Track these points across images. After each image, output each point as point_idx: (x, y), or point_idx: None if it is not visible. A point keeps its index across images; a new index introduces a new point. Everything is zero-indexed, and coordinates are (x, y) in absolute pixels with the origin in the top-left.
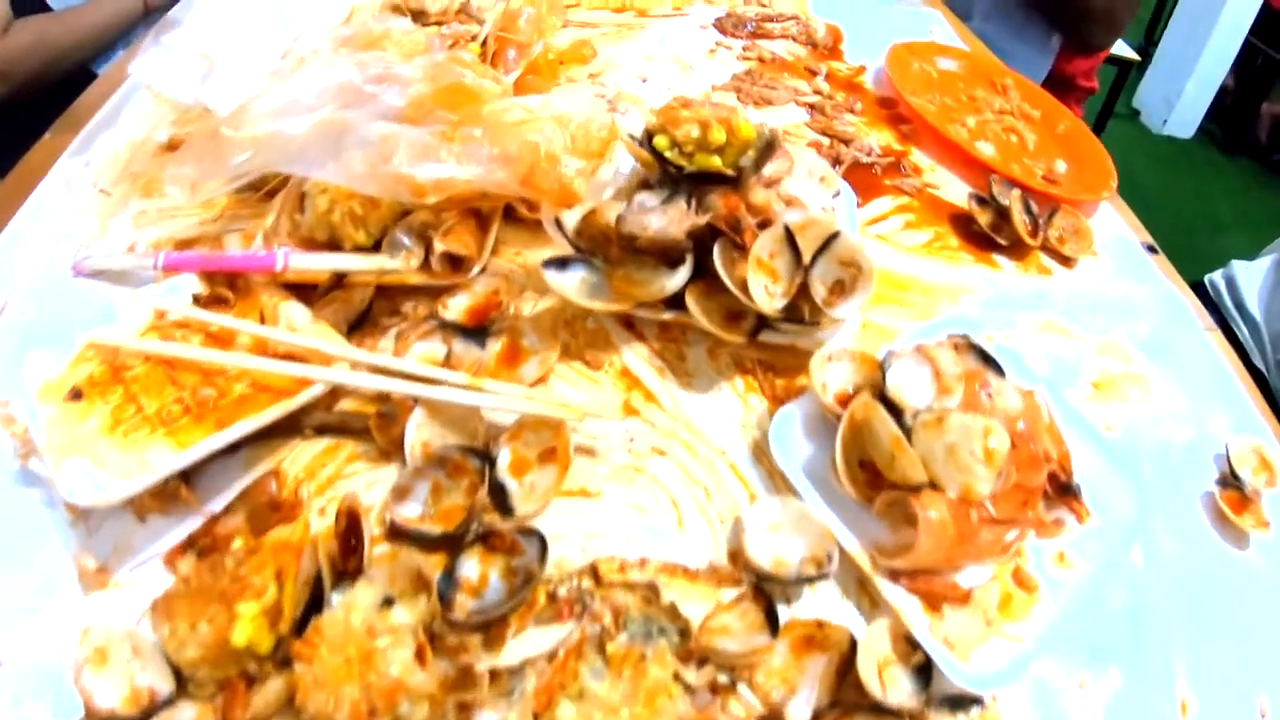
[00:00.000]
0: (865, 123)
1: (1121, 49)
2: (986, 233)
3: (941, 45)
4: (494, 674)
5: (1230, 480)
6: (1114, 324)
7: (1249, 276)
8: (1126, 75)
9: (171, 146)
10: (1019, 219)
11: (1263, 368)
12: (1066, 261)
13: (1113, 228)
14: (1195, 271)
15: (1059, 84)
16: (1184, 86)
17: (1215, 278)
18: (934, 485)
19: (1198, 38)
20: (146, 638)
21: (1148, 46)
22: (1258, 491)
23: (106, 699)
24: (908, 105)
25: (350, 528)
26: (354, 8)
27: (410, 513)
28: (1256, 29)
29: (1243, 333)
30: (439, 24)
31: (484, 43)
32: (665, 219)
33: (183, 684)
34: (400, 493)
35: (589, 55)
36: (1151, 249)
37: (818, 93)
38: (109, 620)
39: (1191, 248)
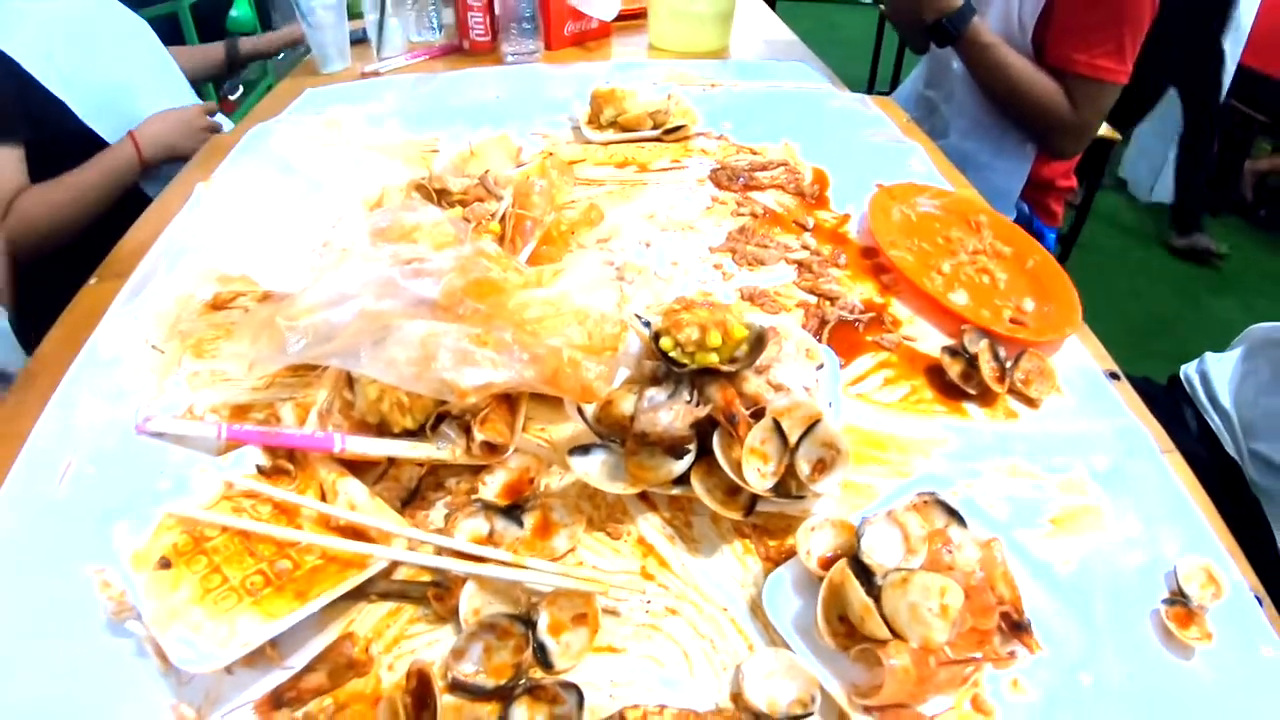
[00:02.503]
0: (849, 276)
1: (1103, 129)
2: (957, 383)
3: (920, 186)
4: None
5: (1177, 597)
6: (1074, 460)
7: (1220, 369)
8: (1109, 151)
9: (216, 305)
10: (986, 367)
11: (1235, 456)
12: (1031, 403)
13: (1077, 359)
14: (1187, 332)
15: (1039, 187)
16: (1168, 154)
17: (1190, 371)
18: (900, 636)
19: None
20: None
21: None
22: (1203, 606)
23: None
24: (887, 258)
25: (421, 685)
26: (384, 189)
27: (467, 670)
28: (1235, 90)
29: (1215, 424)
30: (461, 202)
31: (503, 220)
32: (671, 414)
33: None
34: (458, 654)
35: (596, 220)
36: (1114, 375)
37: (805, 248)
38: None
39: (1191, 311)
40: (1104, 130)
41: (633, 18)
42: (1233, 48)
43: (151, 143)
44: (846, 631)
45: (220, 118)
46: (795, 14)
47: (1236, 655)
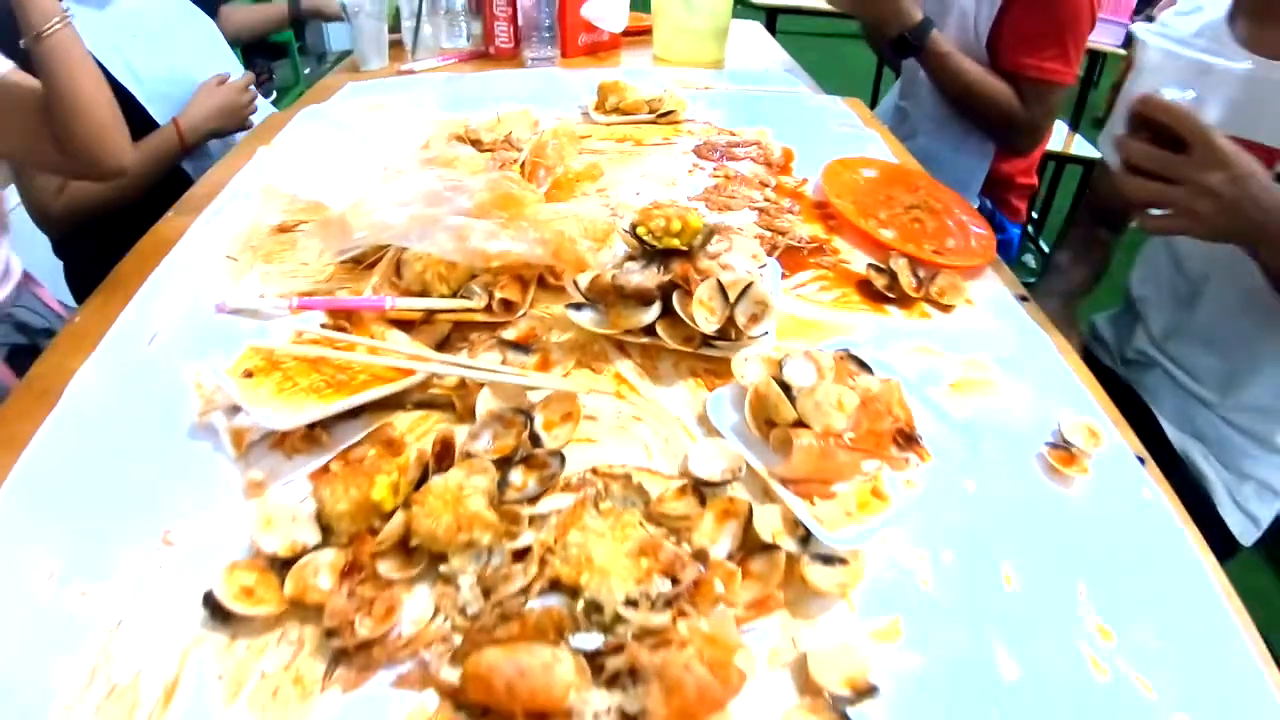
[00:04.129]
0: (801, 220)
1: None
2: (881, 291)
3: (870, 159)
4: (532, 518)
5: (1060, 444)
6: (977, 349)
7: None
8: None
9: (281, 229)
10: (905, 279)
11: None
12: (945, 309)
13: (992, 285)
14: None
15: (1001, 184)
16: None
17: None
18: (806, 426)
19: None
20: (302, 510)
21: None
22: (1085, 452)
23: (271, 546)
24: (832, 204)
25: (443, 446)
26: (429, 137)
27: (479, 446)
28: None
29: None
30: (490, 151)
31: (522, 165)
32: (642, 277)
33: (325, 539)
34: (473, 436)
35: (597, 175)
36: (1023, 299)
37: (766, 200)
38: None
39: None
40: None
41: (639, 32)
42: None
43: (193, 129)
44: (768, 430)
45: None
46: (802, 45)
47: (1115, 492)
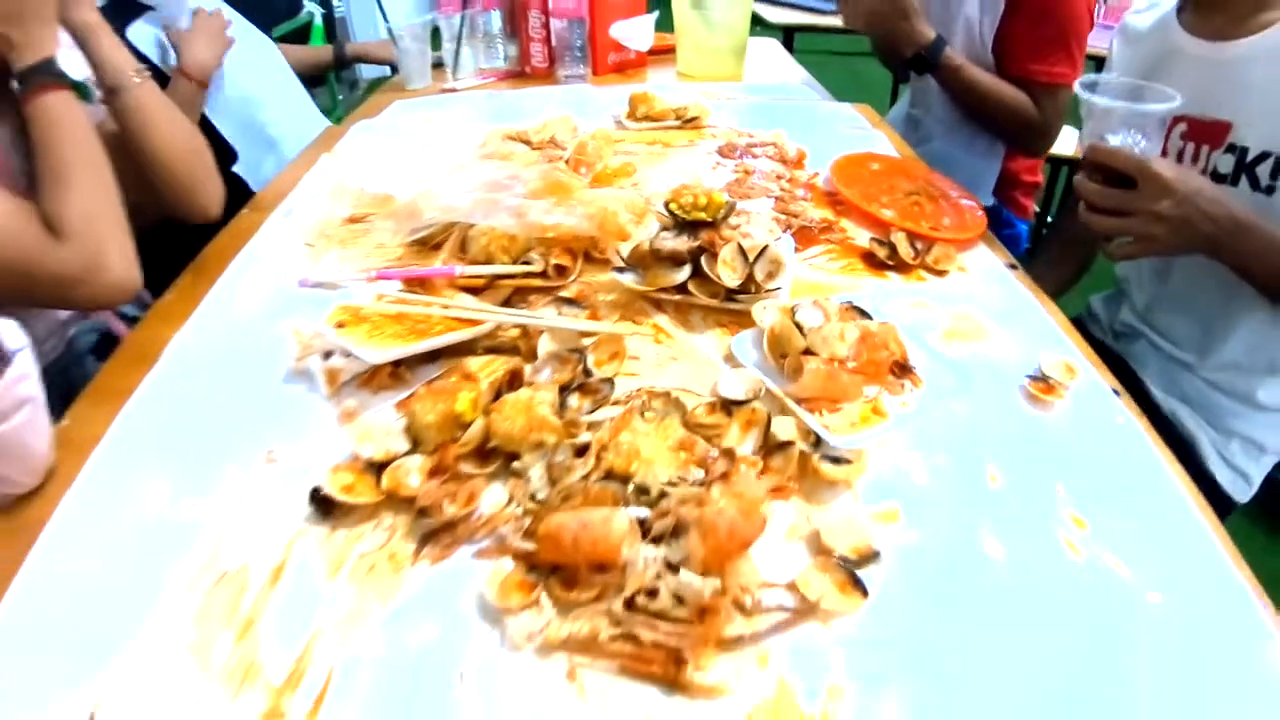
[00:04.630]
0: (813, 205)
1: None
2: (882, 260)
3: (875, 155)
4: (589, 424)
5: (1040, 376)
6: (969, 304)
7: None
8: None
9: (352, 220)
10: (904, 249)
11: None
12: (940, 274)
13: (984, 257)
14: None
15: (1008, 183)
16: None
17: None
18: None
19: None
20: (394, 425)
21: None
22: (1062, 383)
23: (368, 452)
24: (839, 191)
25: (513, 376)
26: (486, 137)
27: (542, 378)
28: None
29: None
30: (539, 149)
31: (567, 161)
32: (675, 243)
33: (413, 450)
34: (535, 371)
35: (631, 172)
36: (1012, 266)
37: (782, 190)
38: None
39: None
40: None
41: (664, 51)
42: None
43: (200, 67)
44: (783, 363)
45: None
46: (818, 62)
47: (1090, 416)
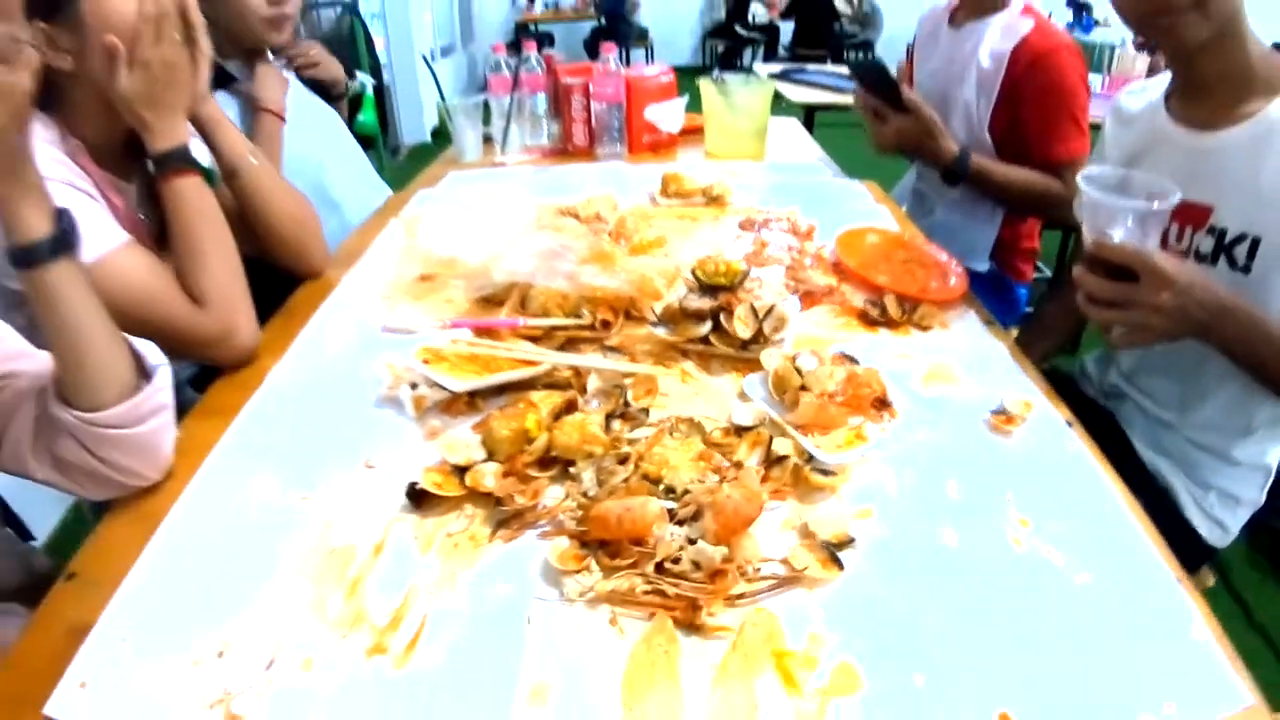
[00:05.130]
0: (819, 272)
1: None
2: (874, 318)
3: (875, 228)
4: (629, 441)
5: (1000, 410)
6: (947, 355)
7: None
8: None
9: (423, 278)
10: (893, 309)
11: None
12: (925, 329)
13: (965, 317)
14: None
15: (1007, 249)
16: None
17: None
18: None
19: None
20: (472, 440)
21: None
22: (1020, 416)
23: (454, 458)
24: (841, 260)
25: (568, 405)
26: (539, 211)
27: (592, 408)
28: None
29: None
30: (585, 223)
31: (610, 234)
32: (699, 303)
33: (488, 457)
34: (586, 402)
35: (663, 243)
36: (988, 322)
37: (793, 259)
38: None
39: None
40: None
41: (694, 131)
42: None
43: (278, 104)
44: (784, 399)
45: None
46: (837, 135)
47: (1044, 443)
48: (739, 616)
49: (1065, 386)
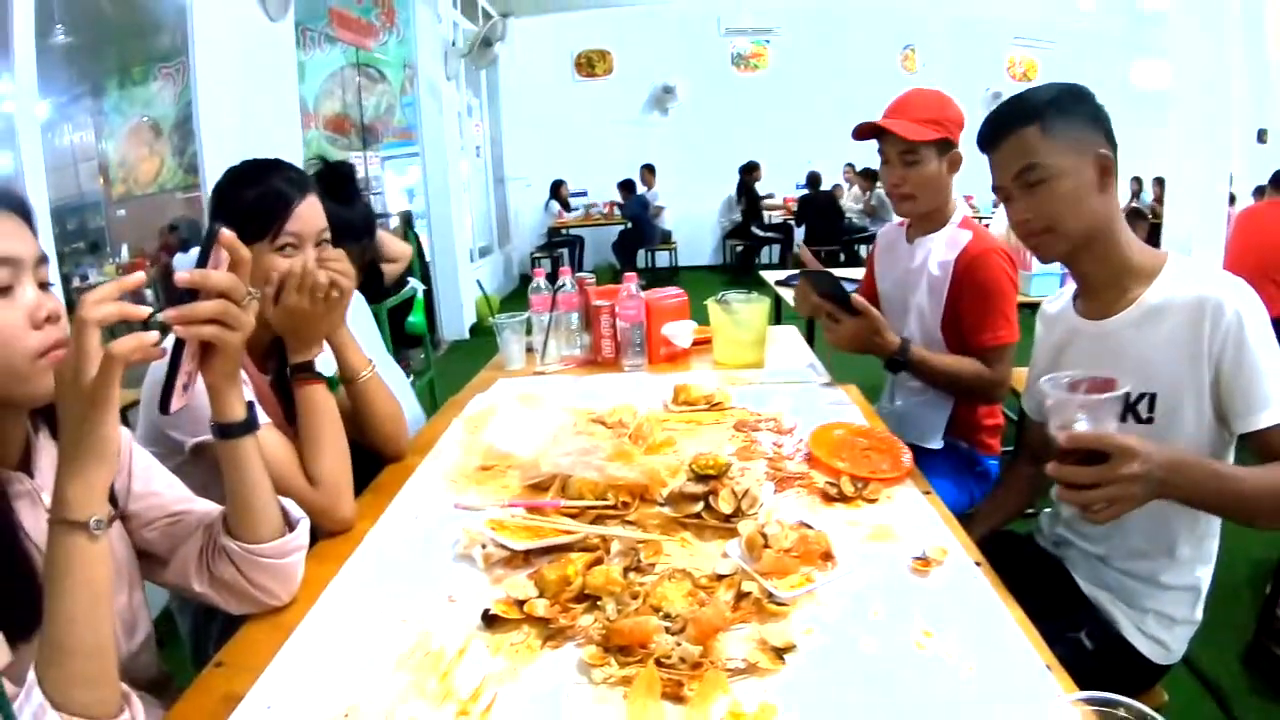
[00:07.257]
0: (794, 462)
1: None
2: (833, 495)
3: (844, 424)
4: (640, 583)
5: (921, 556)
6: (886, 521)
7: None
8: None
9: (483, 468)
10: (846, 487)
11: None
12: (872, 502)
13: (909, 492)
14: None
15: (972, 428)
16: None
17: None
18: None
19: None
20: (528, 583)
21: None
22: (936, 560)
23: (515, 594)
24: (812, 451)
25: (597, 559)
26: (575, 417)
27: (614, 563)
28: None
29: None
30: (611, 428)
31: (630, 437)
32: (694, 488)
33: (540, 594)
34: (609, 559)
35: (673, 443)
36: (926, 493)
37: (775, 454)
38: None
39: None
40: None
41: (704, 342)
42: None
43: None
44: (753, 554)
45: None
46: None
47: (955, 580)
48: (711, 690)
49: (1023, 543)
